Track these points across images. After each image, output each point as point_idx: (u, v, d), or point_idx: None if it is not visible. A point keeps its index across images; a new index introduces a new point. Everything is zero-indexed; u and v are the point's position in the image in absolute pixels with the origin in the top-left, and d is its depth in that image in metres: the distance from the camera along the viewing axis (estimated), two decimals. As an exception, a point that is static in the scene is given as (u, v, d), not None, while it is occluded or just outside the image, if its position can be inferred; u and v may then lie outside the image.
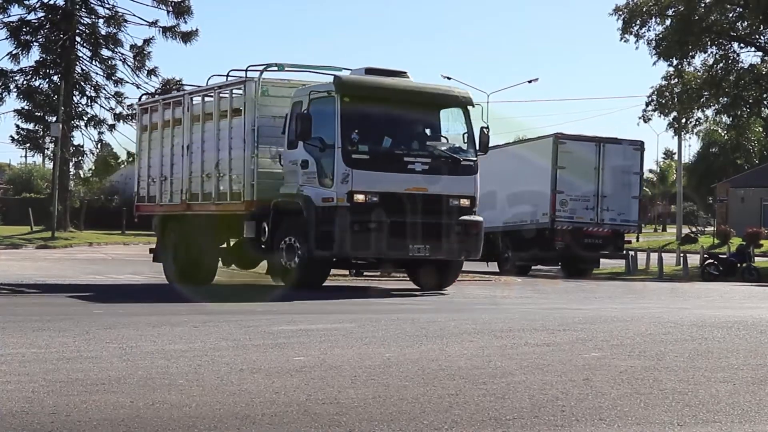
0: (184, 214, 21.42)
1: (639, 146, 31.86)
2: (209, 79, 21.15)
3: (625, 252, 32.85)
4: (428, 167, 17.92)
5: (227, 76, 20.26)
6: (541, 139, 32.82)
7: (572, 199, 30.62)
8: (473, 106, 18.82)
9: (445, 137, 18.88)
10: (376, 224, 17.37)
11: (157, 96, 23.38)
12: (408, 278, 20.53)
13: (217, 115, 20.00)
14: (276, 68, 19.43)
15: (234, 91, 19.88)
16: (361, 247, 17.65)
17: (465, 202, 18.27)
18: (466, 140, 18.63)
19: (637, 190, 31.80)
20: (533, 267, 33.10)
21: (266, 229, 18.58)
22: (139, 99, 24.58)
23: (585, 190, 30.79)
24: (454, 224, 18.07)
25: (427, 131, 18.88)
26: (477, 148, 18.61)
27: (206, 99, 20.78)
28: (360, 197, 17.40)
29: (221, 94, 20.20)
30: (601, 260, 32.47)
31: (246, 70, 19.31)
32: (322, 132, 17.65)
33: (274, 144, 19.03)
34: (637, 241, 33.52)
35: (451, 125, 19.01)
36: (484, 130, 18.65)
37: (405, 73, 19.13)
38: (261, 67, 19.32)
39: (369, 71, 18.60)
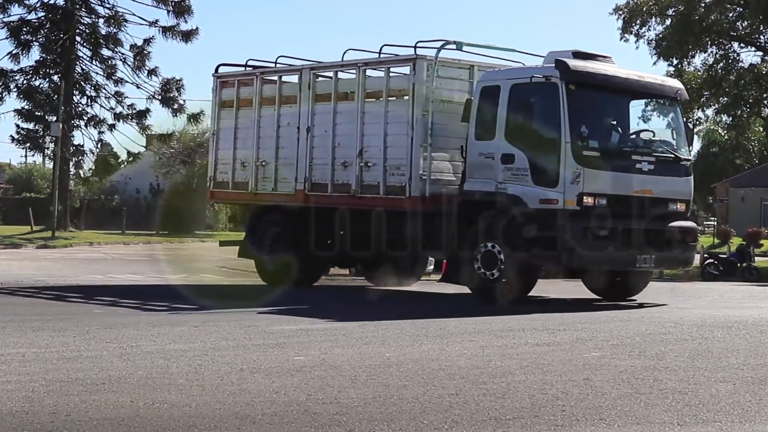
0: (298, 206, 18.54)
1: None
2: (345, 53, 18.39)
3: None
4: (653, 167, 15.91)
5: (380, 53, 17.73)
6: None
7: None
8: (686, 99, 16.78)
9: (652, 131, 16.78)
10: (608, 231, 15.27)
11: (250, 67, 19.90)
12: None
13: (361, 95, 17.52)
14: (454, 46, 16.82)
15: (394, 69, 17.40)
16: (590, 257, 15.32)
17: (681, 206, 16.37)
18: (675, 136, 16.59)
19: None
20: None
21: (448, 230, 16.24)
22: (216, 70, 20.39)
23: None
24: (675, 231, 16.10)
25: (645, 125, 16.90)
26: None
27: (342, 76, 18.16)
28: (589, 200, 15.18)
29: (369, 72, 17.69)
30: None
31: (415, 47, 16.83)
32: (534, 122, 15.56)
33: (445, 132, 16.65)
34: None
35: (658, 119, 17.10)
36: (689, 125, 16.82)
37: (610, 57, 16.88)
38: (434, 44, 16.84)
39: (577, 55, 16.08)
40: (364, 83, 17.58)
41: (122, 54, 46.19)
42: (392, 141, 16.98)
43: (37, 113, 46.72)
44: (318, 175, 18.16)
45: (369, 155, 17.29)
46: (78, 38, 46.33)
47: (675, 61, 43.90)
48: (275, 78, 19.37)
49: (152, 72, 45.90)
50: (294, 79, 19.07)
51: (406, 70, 17.19)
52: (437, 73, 16.56)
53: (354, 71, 17.87)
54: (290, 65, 19.53)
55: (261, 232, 19.43)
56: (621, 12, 43.13)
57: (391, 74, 17.33)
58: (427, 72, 16.54)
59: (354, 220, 17.96)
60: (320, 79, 18.51)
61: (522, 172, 15.48)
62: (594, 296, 17.36)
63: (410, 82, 16.81)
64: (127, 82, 46.32)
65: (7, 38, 44.92)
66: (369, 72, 17.72)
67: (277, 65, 19.58)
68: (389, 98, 17.20)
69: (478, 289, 16.04)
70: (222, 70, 20.42)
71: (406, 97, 17.07)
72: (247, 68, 19.92)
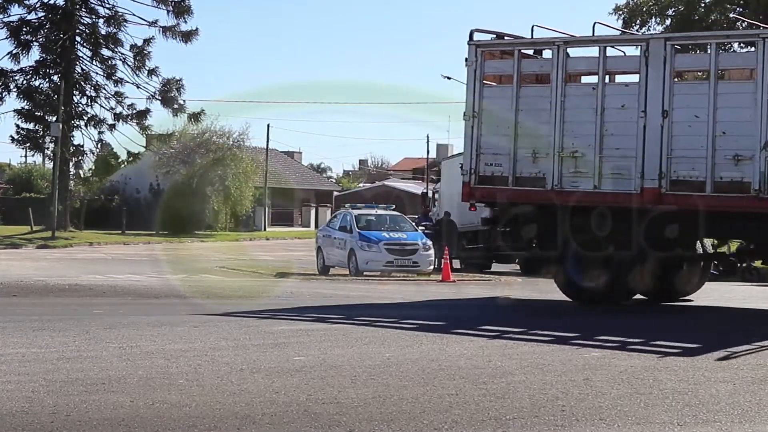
0: (640, 209, 15.17)
1: None
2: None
3: None
4: None
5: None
6: None
7: None
8: None
9: None
10: None
11: (542, 36, 16.28)
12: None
13: (765, 72, 14.17)
14: None
15: None
16: None
17: None
18: None
19: None
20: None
21: None
22: (470, 37, 16.39)
23: None
24: None
25: None
26: None
27: (724, 48, 15.24)
28: None
29: None
30: None
31: None
32: None
33: None
34: None
35: None
36: None
37: None
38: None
39: None
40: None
41: (122, 54, 46.20)
42: None
43: (37, 113, 46.71)
44: (683, 171, 14.95)
45: None
46: (78, 38, 46.35)
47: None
48: (593, 49, 15.96)
49: (152, 72, 45.90)
50: (629, 50, 16.07)
51: None
52: None
53: (751, 42, 14.83)
54: (597, 35, 16.06)
55: (566, 241, 15.96)
56: (621, 12, 43.15)
57: None
58: None
59: (758, 226, 14.93)
60: (678, 51, 15.32)
61: None
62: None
63: None
64: (127, 82, 46.33)
65: (7, 38, 44.94)
66: None
67: (594, 35, 16.16)
68: None
69: None
70: (479, 37, 16.62)
71: None
72: (534, 38, 16.38)
